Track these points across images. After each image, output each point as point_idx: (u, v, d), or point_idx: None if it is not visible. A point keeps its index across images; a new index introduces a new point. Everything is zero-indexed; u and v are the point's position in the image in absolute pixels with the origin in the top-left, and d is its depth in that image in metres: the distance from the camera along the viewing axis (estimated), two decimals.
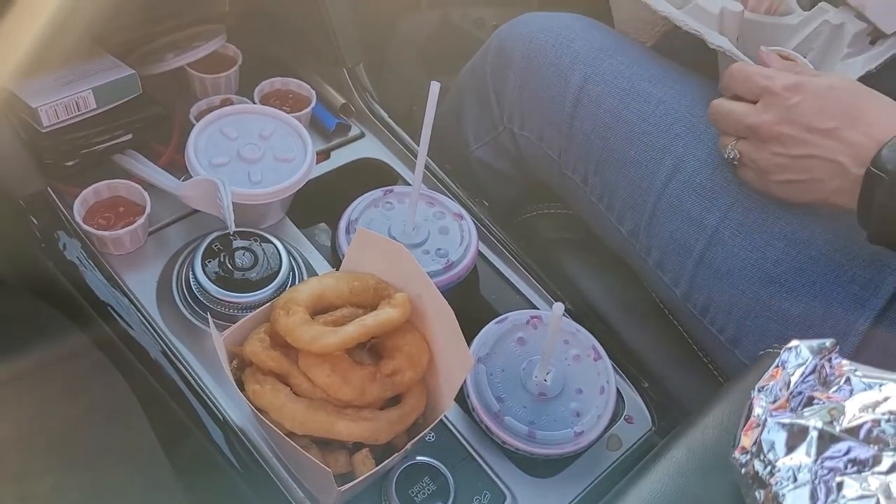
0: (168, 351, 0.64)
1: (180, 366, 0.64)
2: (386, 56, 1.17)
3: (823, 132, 0.62)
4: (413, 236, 0.71)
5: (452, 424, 0.64)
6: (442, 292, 0.55)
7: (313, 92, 0.81)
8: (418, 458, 0.60)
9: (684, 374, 0.74)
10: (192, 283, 0.65)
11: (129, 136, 0.72)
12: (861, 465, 0.38)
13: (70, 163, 0.70)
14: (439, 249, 0.71)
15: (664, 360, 0.75)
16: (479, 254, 0.77)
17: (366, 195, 0.74)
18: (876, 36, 0.83)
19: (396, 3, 1.25)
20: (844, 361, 0.42)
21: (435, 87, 0.63)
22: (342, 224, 0.71)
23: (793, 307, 0.69)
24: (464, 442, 0.64)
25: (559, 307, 0.57)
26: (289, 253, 0.68)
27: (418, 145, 0.65)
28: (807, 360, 0.42)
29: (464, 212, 0.75)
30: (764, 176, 0.66)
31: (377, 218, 0.73)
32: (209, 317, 0.57)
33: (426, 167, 0.79)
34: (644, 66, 0.79)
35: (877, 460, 0.37)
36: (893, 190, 0.57)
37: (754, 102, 0.66)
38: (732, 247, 0.70)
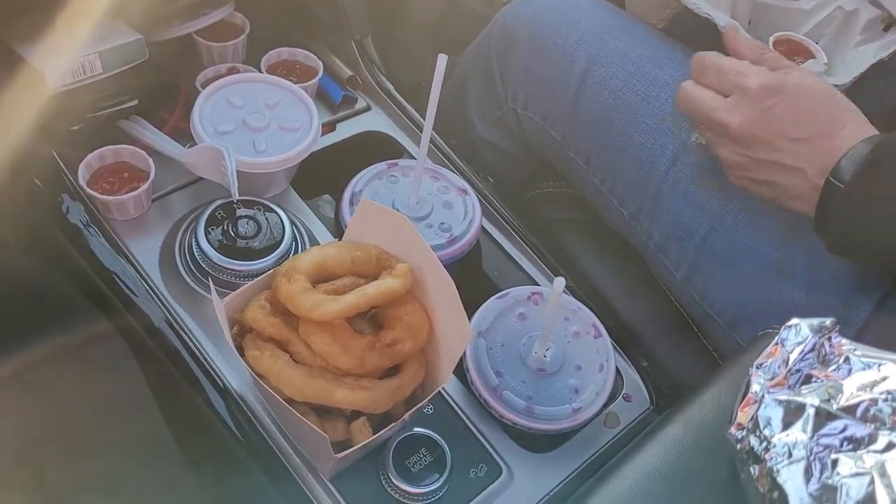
0: (169, 317, 0.64)
1: (181, 331, 0.64)
2: (395, 31, 1.16)
3: (794, 140, 0.61)
4: (417, 210, 0.71)
5: (451, 397, 0.65)
6: (444, 266, 0.55)
7: (320, 63, 0.80)
8: (416, 429, 0.61)
9: (683, 356, 0.74)
10: (194, 250, 0.65)
11: (135, 102, 0.72)
12: (857, 444, 0.38)
13: (75, 127, 0.69)
14: (443, 224, 0.71)
15: (664, 341, 0.75)
16: (483, 229, 0.77)
17: (370, 168, 0.74)
18: (890, 23, 0.82)
19: None
20: (844, 341, 0.42)
21: (442, 59, 0.62)
22: (346, 195, 0.71)
23: (794, 293, 0.69)
24: (462, 415, 0.64)
25: (560, 282, 0.57)
26: (292, 223, 0.68)
27: (424, 119, 0.65)
28: (806, 338, 0.42)
29: (468, 187, 0.75)
30: (730, 172, 0.66)
31: (381, 190, 0.73)
32: (210, 283, 0.57)
33: (431, 142, 0.79)
34: (651, 49, 0.78)
35: (872, 438, 0.37)
36: (850, 200, 0.57)
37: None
38: (735, 232, 0.70)
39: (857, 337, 0.67)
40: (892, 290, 0.67)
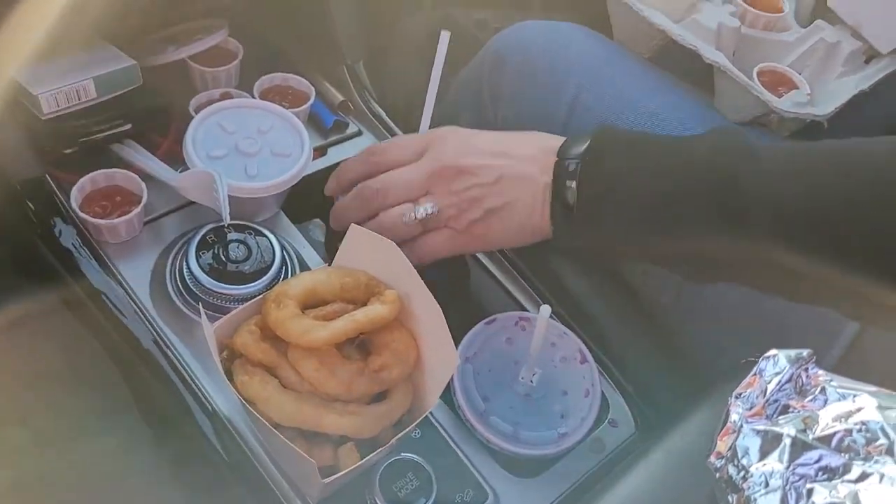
0: (159, 340, 0.65)
1: (171, 355, 0.64)
2: (387, 55, 1.17)
3: (498, 153, 0.63)
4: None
5: (438, 422, 0.65)
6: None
7: (312, 88, 0.81)
8: (402, 453, 0.61)
9: (668, 380, 0.75)
10: (185, 273, 0.66)
11: (128, 127, 0.73)
12: (831, 473, 0.39)
13: (69, 150, 0.70)
14: None
15: (649, 365, 0.76)
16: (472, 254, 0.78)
17: None
18: (871, 55, 0.84)
19: (399, 2, 1.26)
20: (820, 372, 0.43)
21: (445, 35, 0.63)
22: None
23: (780, 316, 0.70)
24: (448, 439, 0.64)
25: (546, 310, 0.58)
26: (282, 247, 0.69)
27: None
28: (784, 368, 0.43)
29: None
30: (464, 218, 0.63)
31: None
32: (201, 307, 0.58)
33: None
34: (639, 78, 0.80)
35: (846, 468, 0.38)
36: (589, 170, 0.59)
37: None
38: None
39: (841, 361, 0.68)
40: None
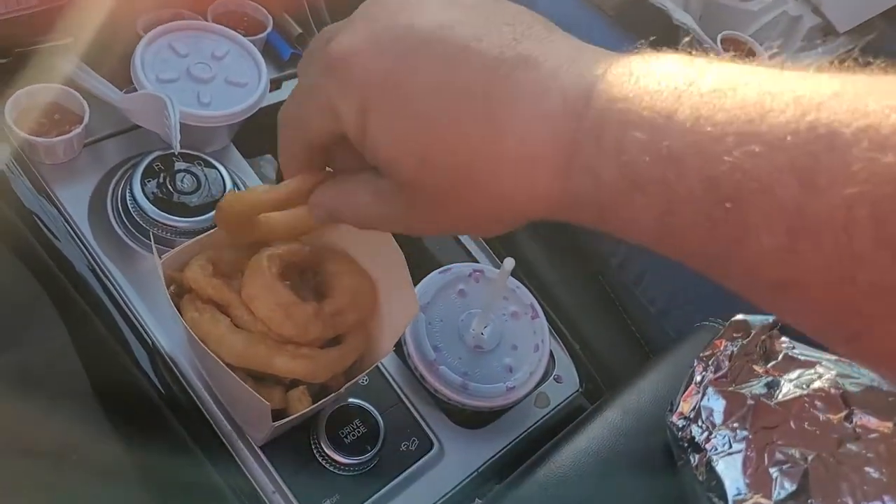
0: (97, 268, 0.62)
1: (109, 285, 0.61)
2: None
3: None
4: None
5: (387, 370, 0.64)
6: None
7: (270, 17, 0.78)
8: (350, 399, 0.60)
9: (614, 342, 0.76)
10: (128, 201, 0.62)
11: (70, 40, 0.68)
12: (791, 437, 0.39)
13: (3, 60, 0.65)
14: None
15: (596, 326, 0.77)
16: None
17: None
18: (827, 33, 0.86)
19: None
20: (784, 338, 0.44)
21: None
22: None
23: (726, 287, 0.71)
24: (396, 388, 0.64)
25: (510, 262, 0.57)
26: (233, 182, 0.66)
27: None
28: (750, 333, 0.44)
29: None
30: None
31: None
32: (152, 241, 0.55)
33: None
34: (601, 35, 0.79)
35: (806, 434, 0.39)
36: None
37: None
38: None
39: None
40: None
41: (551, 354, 0.70)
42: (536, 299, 0.69)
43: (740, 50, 0.80)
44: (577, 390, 0.70)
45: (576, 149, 0.29)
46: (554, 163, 0.30)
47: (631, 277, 0.75)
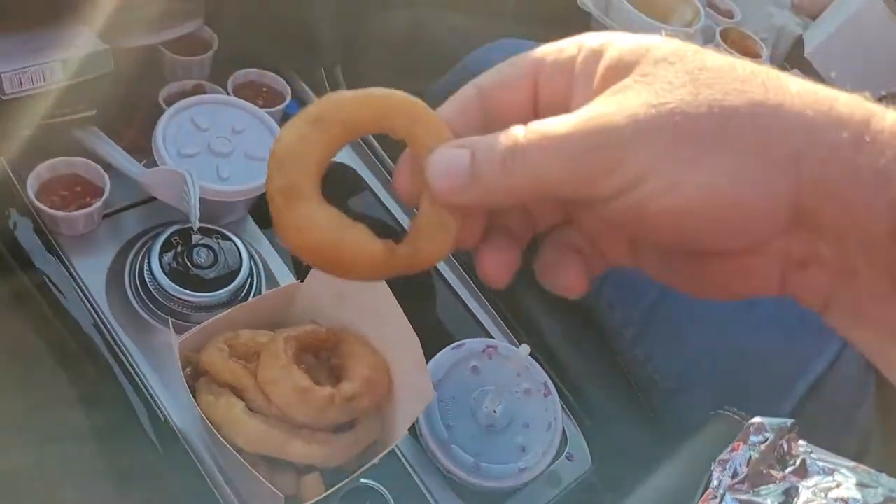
0: (113, 343, 0.62)
1: (124, 359, 0.61)
2: (360, 57, 1.15)
3: None
4: None
5: (399, 448, 0.64)
6: None
7: (289, 88, 0.79)
8: (362, 480, 0.60)
9: (626, 418, 0.76)
10: (146, 276, 0.63)
11: (93, 112, 0.69)
12: None
13: (27, 132, 0.66)
14: None
15: (607, 400, 0.76)
16: (438, 273, 0.76)
17: None
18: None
19: (373, 2, 1.24)
20: (802, 443, 0.44)
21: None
22: None
23: (737, 365, 0.71)
24: (408, 467, 0.63)
25: (525, 349, 0.57)
26: (249, 255, 0.66)
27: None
28: (767, 438, 0.44)
29: None
30: None
31: None
32: (170, 319, 0.55)
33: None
34: None
35: None
36: None
37: None
38: (685, 298, 0.72)
39: (792, 413, 0.70)
40: (829, 369, 0.70)
41: (564, 432, 0.70)
42: (549, 375, 0.69)
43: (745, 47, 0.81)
44: (589, 468, 0.70)
45: None
46: None
47: (643, 353, 0.75)
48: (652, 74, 0.28)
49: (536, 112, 0.33)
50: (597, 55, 0.30)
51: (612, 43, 0.30)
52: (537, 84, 0.32)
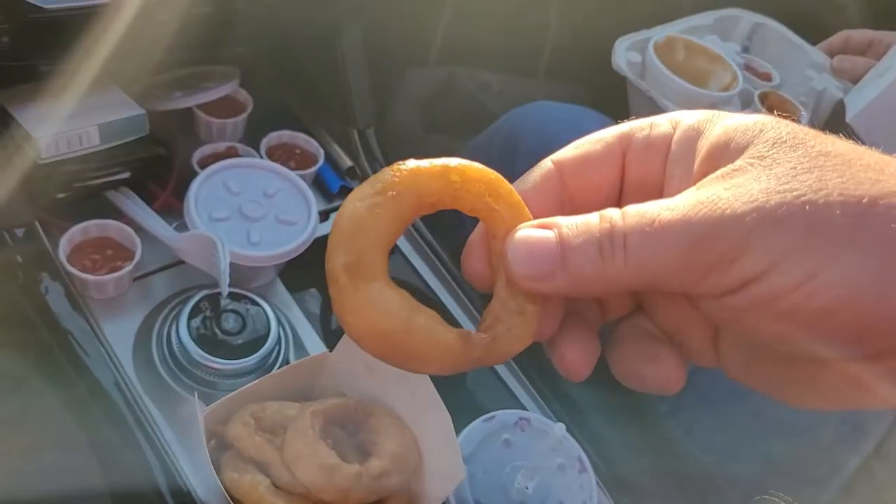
0: (138, 409, 0.60)
1: (149, 428, 0.60)
2: (391, 116, 1.15)
3: None
4: None
5: None
6: None
7: (322, 151, 0.79)
8: None
9: (664, 494, 0.73)
10: (174, 341, 0.62)
11: (127, 175, 0.69)
12: None
13: (61, 195, 0.66)
14: None
15: (645, 477, 0.73)
16: None
17: None
18: None
19: (404, 57, 1.25)
20: None
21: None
22: None
23: (776, 438, 0.68)
24: None
25: (561, 428, 0.55)
26: (278, 320, 0.65)
27: None
28: None
29: (458, 290, 0.73)
30: None
31: None
32: (195, 396, 0.54)
33: (423, 241, 0.78)
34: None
35: None
36: None
37: None
38: (718, 374, 0.69)
39: (843, 492, 0.67)
40: (878, 448, 0.67)
41: None
42: (584, 449, 0.67)
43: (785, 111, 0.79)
44: None
45: None
46: None
47: (681, 424, 0.72)
48: (770, 158, 0.26)
49: (623, 193, 0.31)
50: (696, 133, 0.28)
51: (714, 121, 0.28)
52: (625, 162, 0.30)
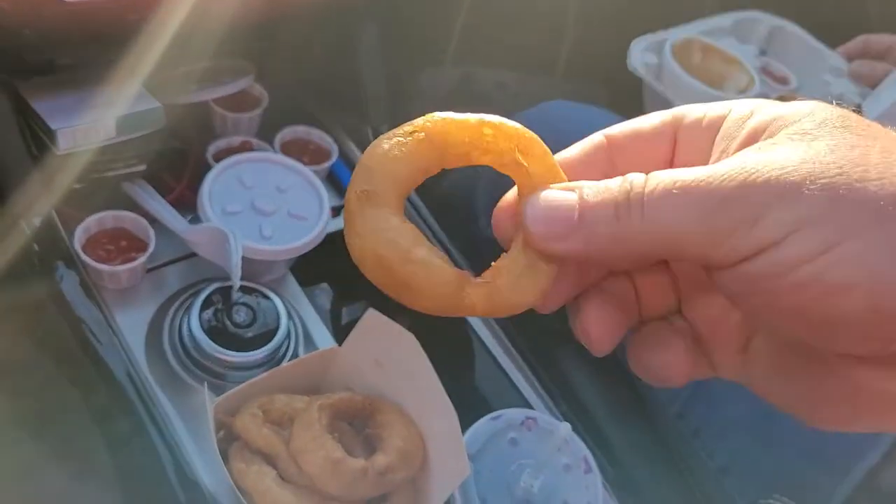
0: (148, 399, 0.61)
1: (158, 417, 0.61)
2: (404, 110, 1.16)
3: None
4: None
5: None
6: None
7: (335, 147, 0.79)
8: None
9: (670, 497, 0.73)
10: (185, 333, 0.63)
11: (143, 167, 0.70)
12: None
13: (78, 186, 0.67)
14: None
15: (652, 479, 0.73)
16: (477, 338, 0.75)
17: None
18: None
19: (421, 59, 1.25)
20: None
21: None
22: None
23: (787, 441, 0.68)
24: None
25: (566, 427, 0.55)
26: (288, 314, 0.66)
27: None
28: None
29: None
30: None
31: None
32: (205, 387, 0.54)
33: (436, 241, 0.79)
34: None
35: None
36: None
37: None
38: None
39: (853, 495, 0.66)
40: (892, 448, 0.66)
41: None
42: (590, 449, 0.67)
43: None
44: None
45: None
46: None
47: (689, 428, 0.72)
48: (812, 134, 0.25)
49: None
50: (748, 115, 0.28)
51: (763, 106, 0.28)
52: (676, 142, 0.30)
